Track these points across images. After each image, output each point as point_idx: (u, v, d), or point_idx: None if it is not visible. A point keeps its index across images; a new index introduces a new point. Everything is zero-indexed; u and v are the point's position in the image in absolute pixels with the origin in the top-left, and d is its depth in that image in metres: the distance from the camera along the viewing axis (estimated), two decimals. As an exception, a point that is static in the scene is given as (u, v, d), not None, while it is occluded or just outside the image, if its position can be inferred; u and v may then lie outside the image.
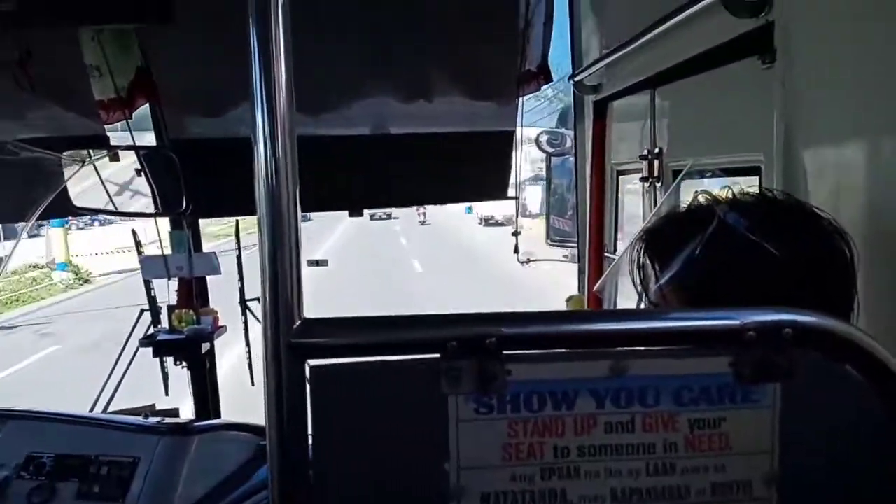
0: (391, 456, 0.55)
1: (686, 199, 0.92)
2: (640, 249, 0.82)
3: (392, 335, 0.54)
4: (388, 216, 32.55)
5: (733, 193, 0.80)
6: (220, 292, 2.54)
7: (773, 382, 0.54)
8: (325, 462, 0.54)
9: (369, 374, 0.54)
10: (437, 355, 0.53)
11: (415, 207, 29.94)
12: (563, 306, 2.15)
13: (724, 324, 0.54)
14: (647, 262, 0.82)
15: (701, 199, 0.81)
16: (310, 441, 0.53)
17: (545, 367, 0.54)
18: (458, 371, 0.53)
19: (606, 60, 1.73)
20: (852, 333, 0.54)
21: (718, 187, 0.89)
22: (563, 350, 0.56)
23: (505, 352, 0.53)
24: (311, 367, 0.53)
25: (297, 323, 0.52)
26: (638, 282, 0.83)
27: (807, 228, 0.75)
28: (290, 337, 0.52)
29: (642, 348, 0.56)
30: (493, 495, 0.54)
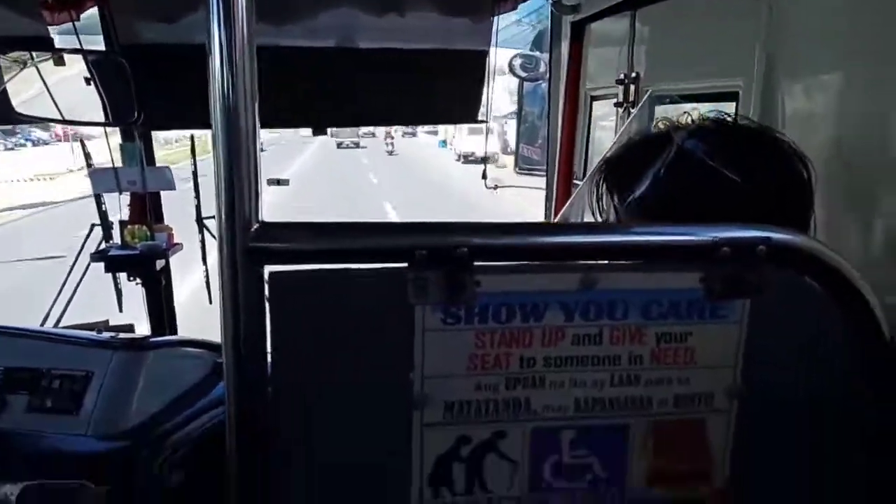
0: (353, 367, 0.53)
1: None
2: (600, 179, 0.81)
3: (357, 242, 0.52)
4: (356, 145, 31.97)
5: (692, 119, 0.79)
6: (177, 213, 2.45)
7: (742, 298, 0.54)
8: (283, 374, 0.52)
9: (332, 282, 0.52)
10: (405, 264, 0.51)
11: (381, 136, 29.44)
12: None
13: (698, 239, 0.54)
14: (606, 191, 0.80)
15: (661, 125, 0.80)
16: (268, 353, 0.51)
17: (515, 279, 0.53)
18: (426, 281, 0.51)
19: (587, -22, 1.66)
20: (822, 251, 0.54)
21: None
22: (535, 262, 0.54)
23: (475, 262, 0.51)
24: (271, 274, 0.51)
25: (255, 226, 0.49)
26: (597, 211, 0.82)
27: (765, 153, 0.75)
28: (248, 241, 0.49)
29: (614, 262, 0.56)
30: (457, 404, 0.54)
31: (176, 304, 2.32)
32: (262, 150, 0.52)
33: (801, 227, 0.73)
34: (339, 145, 31.53)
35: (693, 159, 0.73)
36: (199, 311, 2.24)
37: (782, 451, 0.58)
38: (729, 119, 0.82)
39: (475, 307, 0.53)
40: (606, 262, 0.55)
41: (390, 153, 29.11)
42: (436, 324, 0.52)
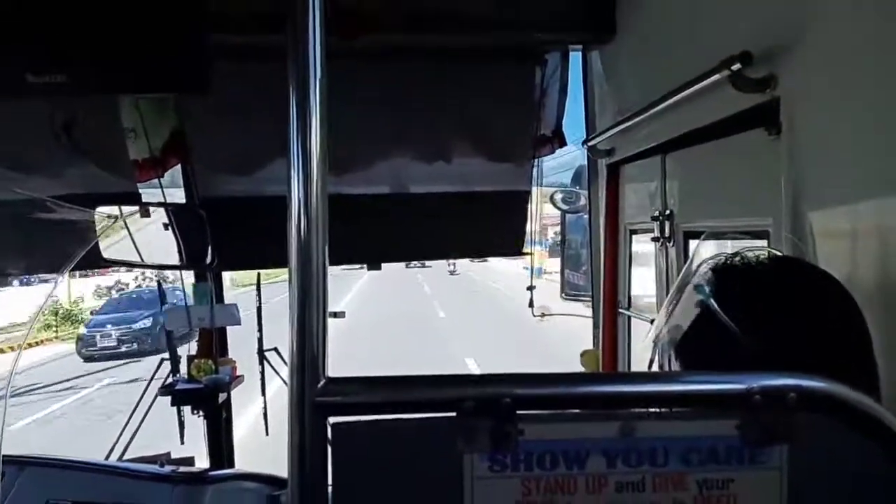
0: None
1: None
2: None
3: (410, 394, 0.56)
4: (423, 265, 33.54)
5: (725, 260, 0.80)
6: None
7: (778, 444, 0.55)
8: None
9: (388, 431, 0.56)
10: (453, 414, 0.54)
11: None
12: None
13: (731, 388, 0.55)
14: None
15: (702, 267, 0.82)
16: (329, 497, 0.55)
17: (557, 428, 0.56)
18: (474, 430, 0.54)
19: (619, 127, 1.79)
20: (856, 398, 0.55)
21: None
22: (575, 411, 0.57)
23: (518, 411, 0.55)
24: (333, 425, 0.55)
25: (322, 382, 0.54)
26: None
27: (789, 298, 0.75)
28: (315, 395, 0.54)
29: (651, 410, 0.58)
30: None
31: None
32: None
33: (859, 368, 0.73)
34: (407, 265, 33.10)
35: (705, 309, 0.75)
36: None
37: None
38: (757, 257, 0.81)
39: (520, 455, 0.55)
40: (645, 409, 0.58)
41: (451, 273, 30.38)
42: (483, 471, 0.55)
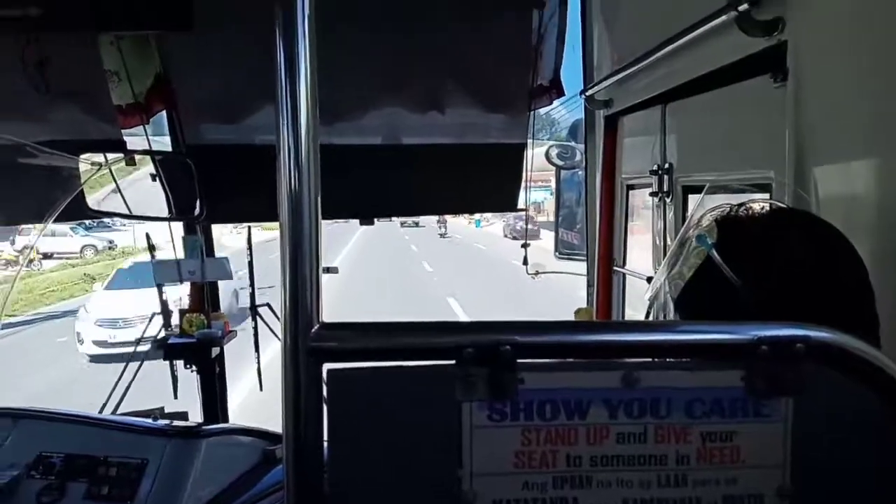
0: (405, 460, 0.55)
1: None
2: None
3: (408, 341, 0.55)
4: (416, 224, 34.02)
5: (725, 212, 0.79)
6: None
7: (784, 396, 0.55)
8: (339, 466, 0.55)
9: (385, 379, 0.55)
10: (453, 361, 0.53)
11: (435, 218, 30.78)
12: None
13: (738, 337, 0.54)
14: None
15: (704, 219, 0.81)
16: (325, 445, 0.54)
17: (558, 376, 0.55)
18: (473, 378, 0.53)
19: (618, 76, 1.75)
20: (864, 349, 0.54)
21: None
22: (577, 360, 0.56)
23: (519, 360, 0.54)
24: (329, 371, 0.54)
25: (316, 327, 0.53)
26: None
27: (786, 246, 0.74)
28: (309, 341, 0.52)
29: (655, 360, 0.57)
30: (505, 503, 0.55)
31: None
32: None
33: (858, 317, 0.72)
34: (403, 224, 33.85)
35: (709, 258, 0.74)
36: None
37: None
38: (761, 207, 0.80)
39: (520, 404, 0.54)
40: (648, 359, 0.57)
41: (442, 236, 30.16)
42: (482, 421, 0.54)
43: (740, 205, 0.79)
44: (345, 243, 25.47)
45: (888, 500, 0.56)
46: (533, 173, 2.49)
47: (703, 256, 0.75)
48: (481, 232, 31.82)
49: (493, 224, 32.26)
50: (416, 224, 34.49)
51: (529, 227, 2.48)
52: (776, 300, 0.71)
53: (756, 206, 0.79)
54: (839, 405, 0.55)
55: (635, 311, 2.00)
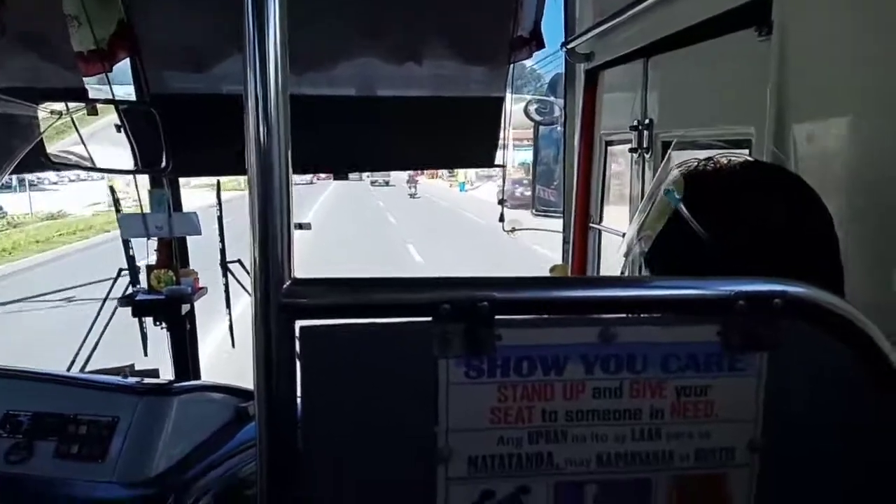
0: (380, 418, 0.55)
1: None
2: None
3: (383, 297, 0.54)
4: (386, 183, 33.67)
5: (700, 164, 0.79)
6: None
7: (760, 351, 0.55)
8: (313, 423, 0.54)
9: (359, 335, 0.53)
10: (429, 318, 0.52)
11: (404, 177, 30.34)
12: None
13: (715, 293, 0.54)
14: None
15: (675, 171, 0.80)
16: (298, 402, 0.53)
17: (535, 333, 0.54)
18: (450, 335, 0.53)
19: (600, 28, 1.71)
20: (839, 305, 0.54)
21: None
22: (554, 316, 0.56)
23: (496, 316, 0.53)
24: (301, 328, 0.52)
25: (287, 283, 0.51)
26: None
27: (754, 199, 0.74)
28: (280, 297, 0.51)
29: (631, 315, 0.57)
30: (481, 458, 0.55)
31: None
32: None
33: (823, 271, 0.73)
34: (373, 183, 33.78)
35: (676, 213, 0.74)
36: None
37: None
38: (728, 162, 0.79)
39: (497, 360, 0.54)
40: (625, 315, 0.56)
41: (412, 196, 29.49)
42: (459, 377, 0.53)
43: (707, 159, 0.79)
44: (312, 204, 25.07)
45: (857, 454, 0.57)
46: (520, 131, 2.46)
47: (672, 211, 0.75)
48: (465, 196, 29.88)
49: (479, 188, 30.34)
50: (387, 183, 34.22)
51: (525, 192, 2.46)
52: (743, 253, 0.71)
53: (723, 160, 0.78)
54: (813, 360, 0.56)
55: (611, 268, 2.02)
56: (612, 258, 1.97)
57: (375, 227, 18.78)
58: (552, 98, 2.46)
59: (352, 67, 2.18)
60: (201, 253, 2.49)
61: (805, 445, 0.57)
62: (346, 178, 3.26)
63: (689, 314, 0.56)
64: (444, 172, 33.90)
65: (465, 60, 2.21)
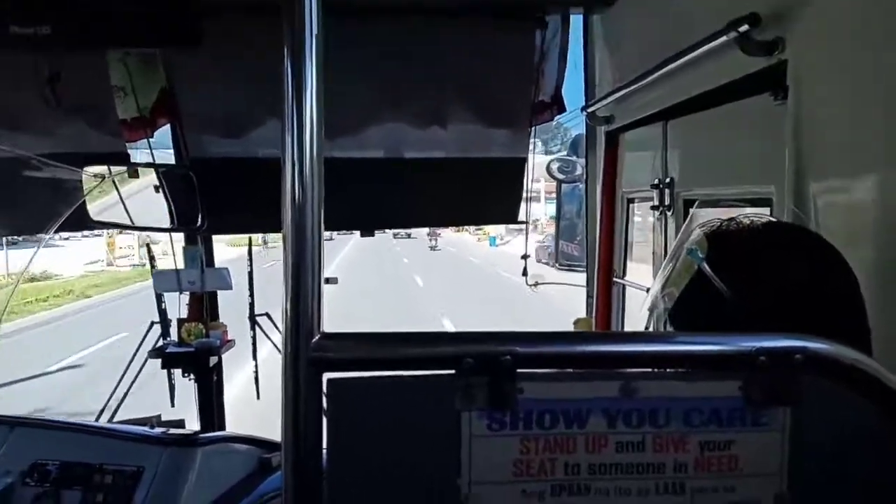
0: (404, 469, 0.55)
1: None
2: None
3: (408, 350, 0.55)
4: (408, 235, 34.47)
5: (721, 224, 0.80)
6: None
7: (782, 406, 0.55)
8: (338, 474, 0.54)
9: (385, 388, 0.55)
10: (452, 371, 0.53)
11: (425, 231, 30.94)
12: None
13: (736, 349, 0.55)
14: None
15: (697, 231, 0.82)
16: (324, 454, 0.54)
17: (558, 386, 0.55)
18: (473, 388, 0.54)
19: (619, 93, 1.76)
20: (861, 360, 0.55)
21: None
22: (576, 370, 0.56)
23: (518, 370, 0.54)
24: (329, 380, 0.54)
25: (317, 337, 0.53)
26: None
27: (778, 258, 0.75)
28: (310, 350, 0.53)
29: (654, 370, 0.57)
30: None
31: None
32: None
33: (848, 330, 0.71)
34: (396, 235, 34.42)
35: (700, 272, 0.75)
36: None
37: None
38: (750, 222, 0.80)
39: (520, 413, 0.54)
40: (647, 370, 0.57)
41: (433, 248, 30.12)
42: (481, 430, 0.54)
43: (730, 219, 0.80)
44: (336, 254, 25.32)
45: None
46: (552, 184, 2.51)
47: (695, 270, 0.76)
48: (496, 252, 28.75)
49: (508, 242, 28.05)
50: (409, 235, 34.94)
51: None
52: (766, 312, 0.72)
53: (745, 220, 0.79)
54: (836, 415, 0.55)
55: (635, 322, 2.01)
56: (636, 312, 1.96)
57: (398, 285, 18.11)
58: (574, 157, 2.52)
59: (380, 132, 2.27)
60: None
61: (830, 499, 0.56)
62: (371, 234, 3.34)
63: (711, 370, 0.56)
64: (470, 227, 34.17)
65: (488, 124, 2.29)
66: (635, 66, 1.63)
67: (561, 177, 2.48)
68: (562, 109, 2.34)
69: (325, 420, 0.54)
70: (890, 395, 0.54)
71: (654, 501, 0.55)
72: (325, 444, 0.54)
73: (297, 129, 0.52)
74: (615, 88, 1.81)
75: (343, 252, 26.35)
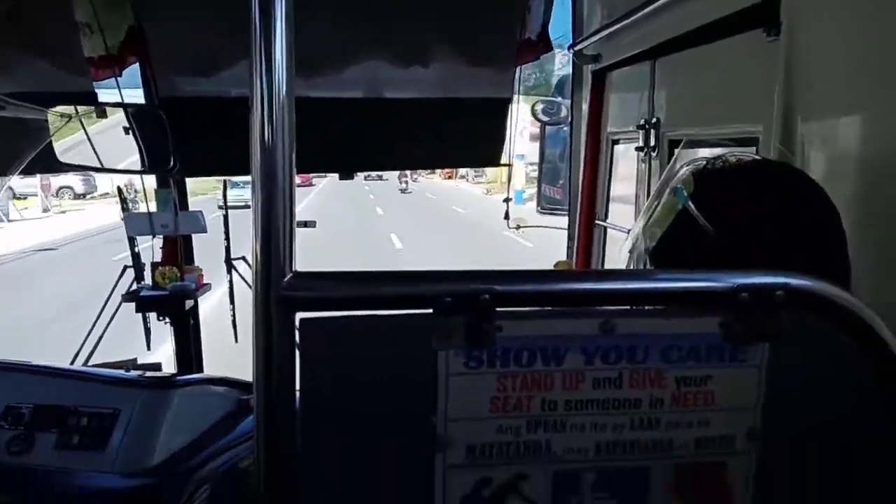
0: (378, 408, 0.54)
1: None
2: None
3: (384, 289, 0.54)
4: (380, 177, 34.31)
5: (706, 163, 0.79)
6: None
7: (762, 342, 0.55)
8: (311, 415, 0.53)
9: (359, 328, 0.54)
10: (429, 311, 0.52)
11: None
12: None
13: (717, 285, 0.54)
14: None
15: (683, 169, 0.80)
16: (297, 395, 0.53)
17: (536, 324, 0.54)
18: (450, 327, 0.52)
19: (607, 31, 1.71)
20: (842, 297, 0.54)
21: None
22: (555, 308, 0.55)
23: (496, 308, 0.53)
24: (301, 320, 0.52)
25: (288, 276, 0.51)
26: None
27: (760, 193, 0.74)
28: (281, 290, 0.51)
29: (633, 307, 0.56)
30: (479, 446, 0.54)
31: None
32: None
33: (828, 262, 0.73)
34: (367, 177, 34.18)
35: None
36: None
37: (804, 493, 0.57)
38: (736, 160, 0.79)
39: (497, 351, 0.53)
40: (626, 307, 0.56)
41: (403, 191, 30.28)
42: (458, 368, 0.53)
43: (716, 157, 0.79)
44: (305, 195, 25.07)
45: (856, 444, 0.57)
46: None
47: (679, 209, 0.75)
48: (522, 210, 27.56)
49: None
50: (380, 177, 34.69)
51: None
52: (746, 246, 0.72)
53: (732, 158, 0.78)
54: (815, 351, 0.55)
55: (613, 265, 2.01)
56: (617, 256, 1.96)
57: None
58: (559, 98, 2.46)
59: (359, 71, 2.19)
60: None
61: (805, 434, 0.56)
62: (350, 177, 3.25)
63: (691, 306, 0.55)
64: (469, 173, 32.85)
65: (472, 63, 2.22)
66: (624, 2, 1.57)
67: (545, 119, 2.43)
68: (548, 48, 2.26)
69: (298, 361, 0.52)
70: (867, 329, 0.54)
71: (629, 436, 0.55)
72: (298, 385, 0.53)
73: (266, 65, 0.49)
74: (603, 26, 1.76)
75: (307, 200, 25.38)
